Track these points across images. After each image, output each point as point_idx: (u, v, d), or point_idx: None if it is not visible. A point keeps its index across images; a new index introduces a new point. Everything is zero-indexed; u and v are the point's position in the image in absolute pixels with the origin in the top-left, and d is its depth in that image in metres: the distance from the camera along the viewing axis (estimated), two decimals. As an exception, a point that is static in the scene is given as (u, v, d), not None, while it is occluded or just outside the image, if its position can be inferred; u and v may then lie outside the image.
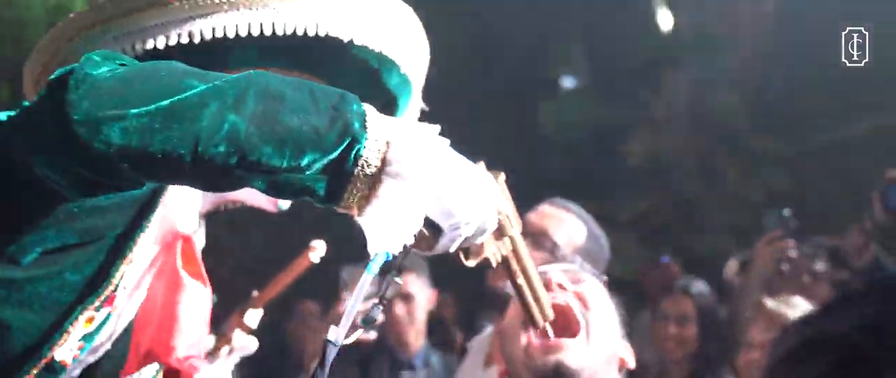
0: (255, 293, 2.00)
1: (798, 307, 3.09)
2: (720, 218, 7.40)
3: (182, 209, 1.54)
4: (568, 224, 2.59)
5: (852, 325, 0.91)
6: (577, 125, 8.04)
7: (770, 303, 3.18)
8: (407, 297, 3.03)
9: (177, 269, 1.58)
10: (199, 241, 1.64)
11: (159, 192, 1.49)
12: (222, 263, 6.63)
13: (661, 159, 7.87)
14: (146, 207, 1.49)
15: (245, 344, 1.87)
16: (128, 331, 1.62)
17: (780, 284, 3.53)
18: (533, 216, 2.60)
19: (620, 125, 7.96)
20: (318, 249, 1.85)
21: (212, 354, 1.83)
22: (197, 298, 1.63)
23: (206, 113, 1.22)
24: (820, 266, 3.85)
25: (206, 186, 1.37)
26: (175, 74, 1.27)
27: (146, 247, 1.51)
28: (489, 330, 2.90)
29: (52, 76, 1.28)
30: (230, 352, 1.86)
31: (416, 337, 4.06)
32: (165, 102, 1.22)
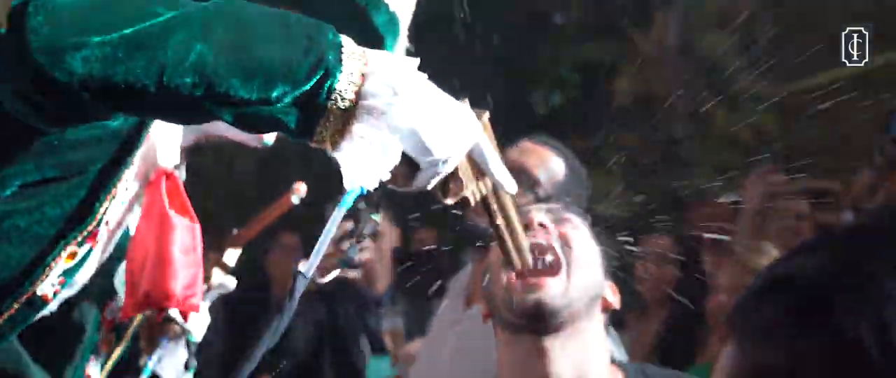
0: (234, 231, 1.99)
1: (767, 254, 3.09)
2: (707, 159, 7.41)
3: (164, 144, 1.51)
4: (548, 160, 2.57)
5: (812, 269, 0.91)
6: (566, 61, 8.00)
7: (738, 247, 3.19)
8: (374, 236, 3.01)
9: (165, 209, 1.56)
10: (181, 176, 1.63)
11: (144, 127, 1.46)
12: (208, 195, 6.62)
13: (650, 98, 7.84)
14: (130, 142, 1.46)
15: (223, 282, 1.86)
16: (105, 267, 1.61)
17: (768, 222, 3.49)
18: (513, 152, 2.57)
19: (610, 63, 7.92)
20: (299, 191, 1.84)
21: None
22: (188, 237, 1.61)
23: (172, 42, 1.18)
24: (804, 207, 3.82)
25: (173, 118, 1.33)
26: (140, 0, 1.22)
27: (129, 183, 1.49)
28: (468, 269, 2.89)
29: (13, 3, 1.24)
30: (208, 290, 1.85)
31: (384, 274, 4.05)
32: (129, 30, 1.18)
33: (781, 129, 7.28)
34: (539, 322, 1.68)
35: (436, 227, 5.16)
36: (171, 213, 1.57)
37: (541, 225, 1.72)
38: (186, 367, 1.81)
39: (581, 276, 1.70)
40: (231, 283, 1.86)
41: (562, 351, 1.70)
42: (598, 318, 1.76)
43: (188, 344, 1.81)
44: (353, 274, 3.89)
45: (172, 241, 1.57)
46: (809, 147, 6.71)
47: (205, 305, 1.84)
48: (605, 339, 1.78)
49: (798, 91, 7.38)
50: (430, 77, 1.32)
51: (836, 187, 3.97)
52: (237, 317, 4.31)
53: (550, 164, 2.55)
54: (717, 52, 7.74)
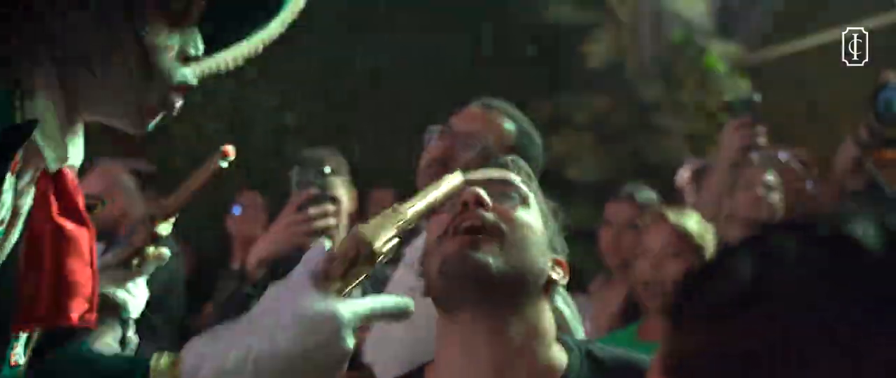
0: (162, 201, 1.92)
1: (692, 218, 3.08)
2: (677, 125, 7.40)
3: (47, 143, 1.38)
4: (498, 124, 2.51)
5: (752, 261, 0.87)
6: (538, 24, 7.94)
7: (668, 211, 3.16)
8: (333, 200, 2.93)
9: (56, 221, 1.42)
10: (77, 158, 1.49)
11: (15, 144, 1.32)
12: (173, 154, 6.53)
13: (621, 62, 7.82)
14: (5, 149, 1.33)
15: (159, 253, 1.79)
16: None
17: (739, 183, 3.43)
18: (461, 119, 2.52)
19: (582, 25, 7.88)
20: (228, 154, 1.76)
21: (124, 266, 1.75)
22: (83, 248, 1.46)
23: None
24: (772, 177, 3.79)
25: None
26: None
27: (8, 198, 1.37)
28: (423, 235, 2.85)
29: None
30: (142, 262, 1.78)
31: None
32: None
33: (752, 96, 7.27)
34: (475, 293, 1.64)
35: (393, 189, 5.09)
36: (64, 223, 1.42)
37: (478, 201, 1.68)
38: (122, 344, 1.75)
39: (518, 252, 1.66)
40: (166, 253, 1.79)
41: (501, 331, 1.65)
42: (541, 297, 1.72)
43: (123, 321, 1.74)
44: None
45: (67, 255, 1.43)
46: (786, 117, 6.71)
47: (142, 280, 1.77)
48: (550, 318, 1.74)
49: (770, 59, 7.38)
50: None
51: (805, 157, 3.93)
52: (196, 279, 4.26)
53: (499, 129, 2.50)
54: (691, 15, 7.72)
